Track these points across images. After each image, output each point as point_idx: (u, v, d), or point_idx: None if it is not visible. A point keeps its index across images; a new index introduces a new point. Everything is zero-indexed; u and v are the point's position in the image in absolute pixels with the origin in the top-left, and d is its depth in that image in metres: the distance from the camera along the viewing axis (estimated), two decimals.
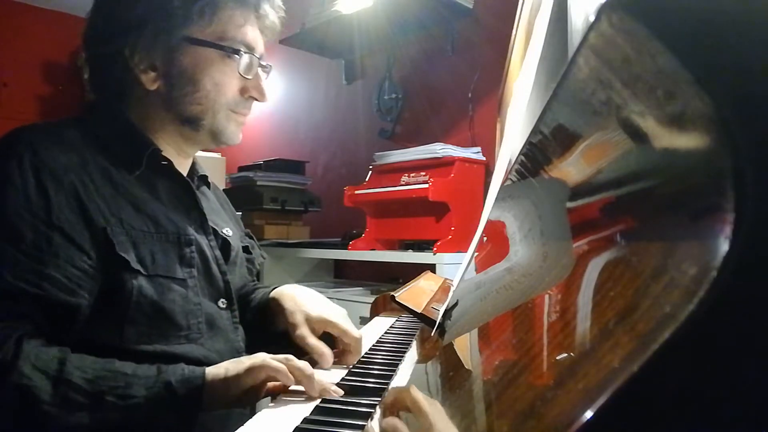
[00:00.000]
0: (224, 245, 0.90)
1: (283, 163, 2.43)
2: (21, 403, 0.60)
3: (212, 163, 2.94)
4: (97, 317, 0.71)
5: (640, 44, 0.25)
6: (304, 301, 0.88)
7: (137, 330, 0.73)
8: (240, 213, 2.37)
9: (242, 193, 2.37)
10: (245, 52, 0.83)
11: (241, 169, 2.48)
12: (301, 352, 0.78)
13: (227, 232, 0.92)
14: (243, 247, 0.99)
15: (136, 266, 0.73)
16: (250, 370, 0.65)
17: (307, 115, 2.76)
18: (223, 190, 2.56)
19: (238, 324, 0.88)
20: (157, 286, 0.74)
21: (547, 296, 0.42)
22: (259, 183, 2.30)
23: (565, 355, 0.30)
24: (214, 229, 0.89)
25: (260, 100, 0.88)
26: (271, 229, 2.32)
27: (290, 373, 0.63)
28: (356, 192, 1.91)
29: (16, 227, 0.67)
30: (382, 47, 2.32)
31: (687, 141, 0.23)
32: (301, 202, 2.38)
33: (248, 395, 0.66)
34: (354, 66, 2.51)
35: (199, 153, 3.18)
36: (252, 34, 0.85)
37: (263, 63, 0.88)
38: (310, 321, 0.83)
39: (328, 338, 0.84)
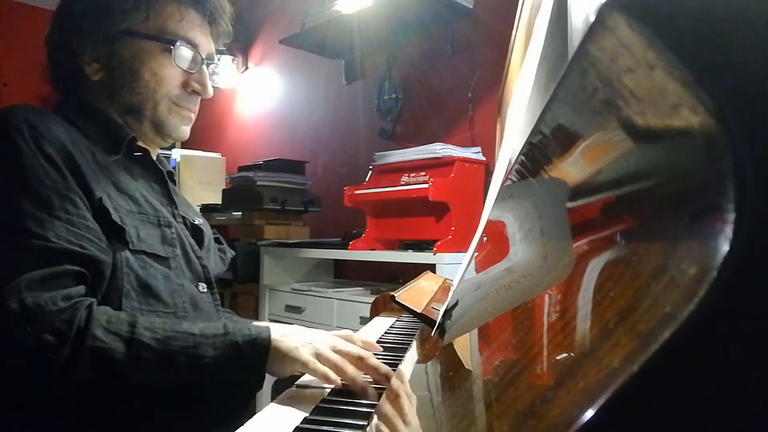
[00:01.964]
0: (196, 232, 0.93)
1: (283, 163, 2.43)
2: (97, 364, 0.63)
3: (212, 163, 2.94)
4: (98, 289, 0.73)
5: (640, 44, 0.25)
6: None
7: (131, 304, 0.75)
8: (240, 213, 2.40)
9: (242, 193, 2.37)
10: (183, 45, 0.86)
11: (241, 169, 2.48)
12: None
13: (199, 221, 0.96)
14: (214, 237, 1.02)
15: (128, 237, 0.75)
16: (305, 365, 0.66)
17: (307, 115, 2.76)
18: (223, 190, 2.59)
19: (219, 306, 0.91)
20: (141, 262, 0.77)
21: (547, 296, 0.42)
22: (259, 183, 2.30)
23: (565, 355, 0.30)
24: (184, 217, 0.92)
25: (203, 96, 0.91)
26: (271, 229, 2.32)
27: (345, 377, 0.64)
28: (356, 192, 1.91)
29: (42, 194, 0.69)
30: (382, 47, 2.32)
31: (687, 141, 0.23)
32: (301, 202, 2.38)
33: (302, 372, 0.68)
34: (354, 66, 2.51)
35: (199, 153, 3.15)
36: (193, 30, 0.89)
37: (209, 61, 0.92)
38: None
39: None
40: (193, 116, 0.93)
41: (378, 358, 0.79)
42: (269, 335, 0.69)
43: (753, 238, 0.19)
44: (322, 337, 0.70)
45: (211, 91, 0.92)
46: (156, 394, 0.67)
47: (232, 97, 3.26)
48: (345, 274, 2.43)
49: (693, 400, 0.20)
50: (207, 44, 0.92)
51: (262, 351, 0.68)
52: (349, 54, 2.46)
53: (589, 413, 0.21)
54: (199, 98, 0.92)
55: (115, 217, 0.75)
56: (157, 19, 0.85)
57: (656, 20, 0.24)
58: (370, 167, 1.99)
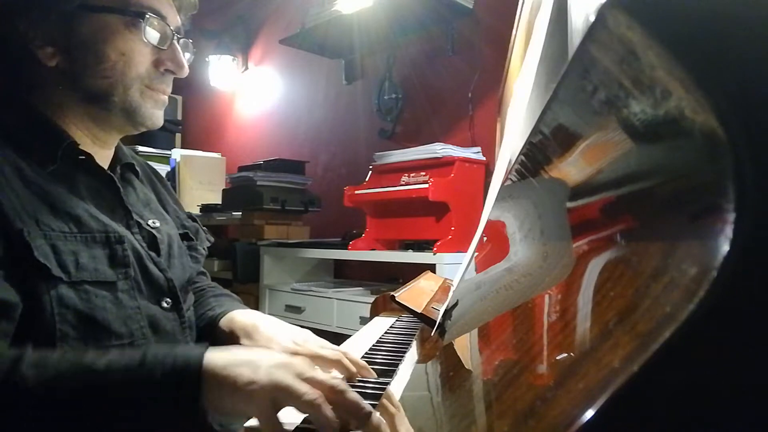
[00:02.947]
0: (152, 240, 0.80)
1: (283, 163, 2.43)
2: None
3: (212, 163, 2.94)
4: (23, 337, 0.60)
5: (640, 44, 0.25)
6: (264, 334, 0.79)
7: (72, 346, 0.64)
8: (240, 213, 2.40)
9: (242, 193, 2.37)
10: (152, 17, 0.75)
11: (241, 169, 2.48)
12: None
13: (153, 224, 0.82)
14: (182, 234, 0.88)
15: (57, 272, 0.64)
16: (274, 397, 0.49)
17: (307, 115, 2.76)
18: (223, 190, 2.58)
19: (185, 325, 0.79)
20: (83, 293, 0.66)
21: (547, 296, 0.42)
22: (259, 183, 2.30)
23: (565, 355, 0.30)
24: (138, 223, 0.79)
25: (178, 74, 0.79)
26: (271, 229, 2.32)
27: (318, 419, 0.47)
28: (356, 192, 1.91)
29: None
30: (382, 47, 2.32)
31: (687, 141, 0.23)
32: (301, 202, 2.38)
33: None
34: (354, 66, 2.51)
35: (199, 153, 3.15)
36: (159, 1, 0.77)
37: (180, 35, 0.80)
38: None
39: None
40: (166, 99, 0.80)
41: (378, 358, 0.79)
42: (200, 362, 0.50)
43: (753, 238, 0.19)
44: (279, 360, 0.52)
45: (186, 69, 0.80)
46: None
47: (232, 97, 3.26)
48: (345, 274, 2.43)
49: (693, 400, 0.20)
50: (174, 17, 0.79)
51: (190, 385, 0.50)
52: (349, 54, 2.46)
53: (589, 413, 0.21)
54: (172, 78, 0.80)
55: (38, 252, 0.63)
56: None
57: (656, 20, 0.24)
58: (370, 167, 1.99)
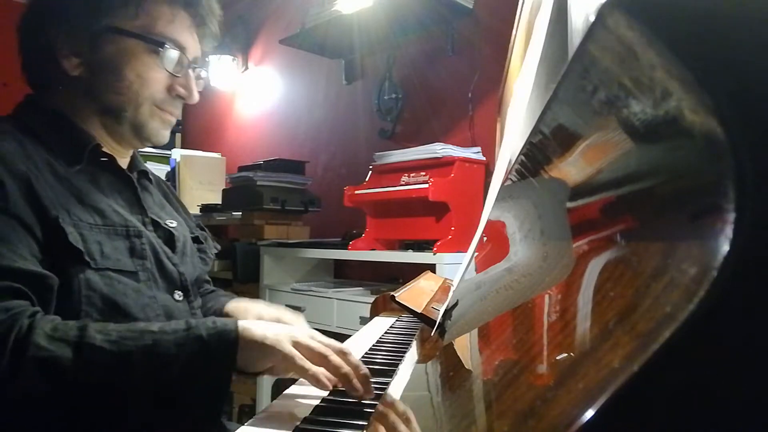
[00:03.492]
0: (169, 237, 0.88)
1: (283, 163, 2.43)
2: (44, 374, 0.58)
3: (212, 163, 2.94)
4: (52, 315, 0.68)
5: (640, 44, 0.25)
6: (253, 309, 0.90)
7: None
8: (240, 213, 2.40)
9: (242, 193, 2.37)
10: (171, 48, 0.82)
11: (241, 169, 2.48)
12: None
13: (170, 223, 0.90)
14: (193, 237, 0.97)
15: (87, 258, 0.71)
16: (286, 357, 0.61)
17: (307, 115, 2.76)
18: (223, 190, 2.59)
19: (197, 314, 0.87)
20: (107, 279, 0.73)
21: (547, 296, 0.42)
22: (259, 183, 2.30)
23: (565, 355, 0.30)
24: (156, 222, 0.87)
25: (188, 101, 0.87)
26: (271, 229, 2.32)
27: (328, 369, 0.61)
28: (356, 192, 1.91)
29: None
30: (382, 47, 2.32)
31: (687, 141, 0.23)
32: (301, 202, 2.38)
33: (277, 369, 0.65)
34: (354, 66, 2.51)
35: (199, 153, 3.14)
36: (182, 32, 0.84)
37: (195, 65, 0.88)
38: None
39: None
40: (174, 120, 0.88)
41: (378, 358, 0.79)
42: (236, 325, 0.63)
43: (753, 238, 0.19)
44: (297, 328, 0.66)
45: (196, 96, 0.88)
46: (114, 403, 0.61)
47: (232, 97, 3.26)
48: (345, 274, 2.43)
49: (693, 400, 0.20)
50: (195, 47, 0.87)
51: (230, 342, 0.62)
52: (349, 54, 2.46)
53: (589, 413, 0.21)
54: (182, 102, 0.88)
55: (72, 237, 0.70)
56: (146, 18, 0.81)
57: (656, 20, 0.24)
58: (370, 167, 1.99)
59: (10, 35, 0.89)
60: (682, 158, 0.24)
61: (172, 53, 0.83)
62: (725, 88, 0.20)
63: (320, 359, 0.61)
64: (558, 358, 0.32)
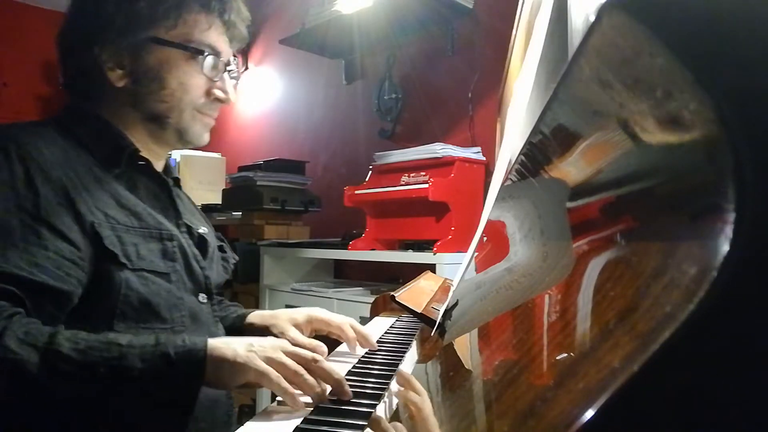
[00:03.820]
0: (201, 242, 0.92)
1: (283, 163, 2.43)
2: (11, 377, 0.59)
3: (212, 163, 2.94)
4: (87, 312, 0.71)
5: (640, 44, 0.25)
6: (284, 312, 0.93)
7: (126, 324, 0.73)
8: (240, 213, 2.40)
9: (242, 193, 2.37)
10: (209, 54, 0.87)
11: (241, 169, 2.48)
12: None
13: (203, 230, 0.94)
14: (218, 246, 1.01)
15: (123, 259, 0.74)
16: (260, 374, 0.61)
17: (307, 115, 2.76)
18: (223, 190, 2.58)
19: (217, 318, 0.90)
20: (143, 279, 0.76)
21: (547, 296, 0.42)
22: (259, 183, 2.30)
23: (565, 355, 0.30)
24: (189, 227, 0.90)
25: (226, 102, 0.91)
26: (271, 229, 2.31)
27: (300, 387, 0.60)
28: (356, 192, 1.91)
29: (5, 222, 0.67)
30: (382, 47, 2.32)
31: (687, 141, 0.23)
32: (301, 202, 2.37)
33: (249, 386, 0.64)
34: (354, 66, 2.51)
35: (199, 153, 3.14)
36: (217, 38, 0.89)
37: (230, 68, 0.92)
38: (296, 324, 0.89)
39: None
40: (213, 123, 0.92)
41: (378, 358, 0.79)
42: (205, 344, 0.63)
43: (753, 238, 0.19)
44: (268, 342, 0.65)
45: (234, 97, 0.92)
46: (79, 418, 0.63)
47: None
48: (345, 274, 2.43)
49: (693, 400, 0.20)
50: (228, 51, 0.92)
51: (197, 361, 0.62)
52: (349, 54, 2.46)
53: (589, 413, 0.21)
54: (220, 105, 0.92)
55: (108, 241, 0.73)
56: (184, 27, 0.85)
57: (656, 20, 0.24)
58: (370, 167, 1.99)
59: (10, 35, 0.90)
60: (682, 158, 0.24)
61: (210, 59, 0.87)
62: (725, 88, 0.20)
63: (294, 377, 0.60)
64: (558, 358, 0.32)
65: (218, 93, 0.89)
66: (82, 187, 0.75)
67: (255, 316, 0.96)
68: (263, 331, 0.90)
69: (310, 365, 0.62)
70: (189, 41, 0.85)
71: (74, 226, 0.71)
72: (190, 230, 0.90)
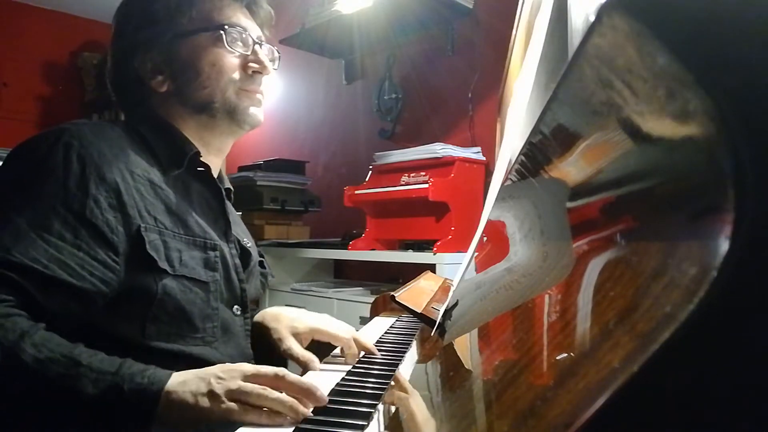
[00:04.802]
0: (244, 254, 0.93)
1: (283, 163, 2.43)
2: None
3: None
4: (121, 312, 0.72)
5: (640, 44, 0.25)
6: (287, 316, 0.91)
7: (158, 328, 0.74)
8: (240, 213, 2.39)
9: (242, 193, 2.37)
10: (231, 28, 0.87)
11: (241, 169, 2.48)
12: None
13: (248, 243, 0.96)
14: (258, 261, 1.02)
15: (164, 265, 0.75)
16: (223, 415, 0.57)
17: (307, 115, 2.76)
18: None
19: (249, 331, 0.90)
20: (182, 286, 0.76)
21: (547, 296, 0.42)
22: (259, 183, 2.30)
23: (565, 355, 0.30)
24: (236, 238, 0.92)
25: (264, 73, 0.91)
26: (271, 229, 2.31)
27: (271, 405, 0.56)
28: (356, 192, 1.91)
29: (47, 217, 0.68)
30: (382, 47, 2.32)
31: (687, 141, 0.23)
32: (301, 202, 2.37)
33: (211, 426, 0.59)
34: (354, 66, 2.51)
35: None
36: (236, 13, 0.90)
37: (260, 42, 0.92)
38: (296, 333, 0.87)
39: (318, 347, 0.86)
40: (262, 97, 0.92)
41: (378, 358, 0.79)
42: (162, 386, 0.59)
43: (753, 238, 0.19)
44: (226, 374, 0.60)
45: (269, 68, 0.92)
46: (31, 417, 0.61)
47: None
48: (345, 274, 2.43)
49: (693, 400, 0.20)
50: (253, 27, 0.92)
51: (148, 402, 0.58)
52: (349, 54, 2.46)
53: (589, 413, 0.21)
54: (262, 77, 0.91)
55: (150, 246, 0.74)
56: (200, 14, 0.87)
57: (656, 20, 0.24)
58: (370, 167, 1.99)
59: (10, 35, 0.91)
60: (682, 158, 0.24)
61: (233, 33, 0.87)
62: (725, 88, 0.20)
63: (258, 400, 0.57)
64: (558, 358, 0.32)
65: (253, 65, 0.89)
66: (136, 190, 0.76)
67: (258, 316, 0.96)
68: (262, 331, 0.90)
69: (274, 383, 0.58)
70: (209, 23, 0.87)
71: (120, 228, 0.73)
72: (237, 242, 0.91)
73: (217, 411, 0.57)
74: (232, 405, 0.57)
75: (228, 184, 1.00)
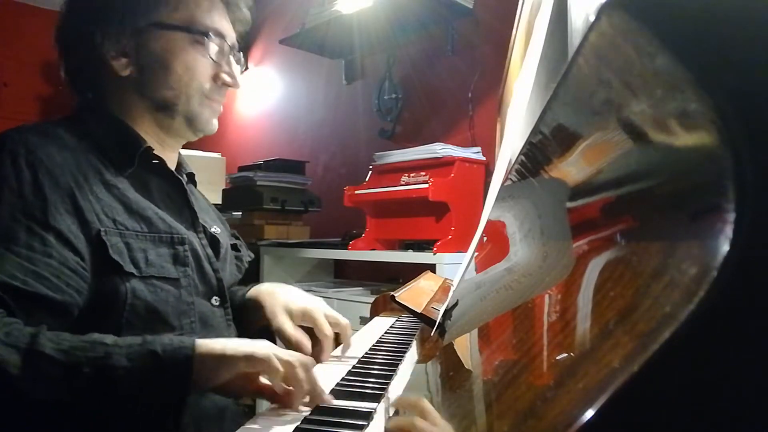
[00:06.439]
0: (213, 242, 0.89)
1: (283, 163, 2.43)
2: None
3: (212, 163, 2.94)
4: (94, 321, 0.69)
5: (640, 44, 0.25)
6: (282, 295, 0.89)
7: (133, 334, 0.69)
8: (240, 213, 2.40)
9: (242, 193, 2.37)
10: (215, 36, 0.84)
11: (241, 169, 2.48)
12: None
13: (216, 230, 0.92)
14: (231, 245, 0.98)
15: (129, 268, 0.72)
16: (249, 358, 0.60)
17: (307, 115, 2.76)
18: (223, 190, 2.59)
19: (230, 321, 0.87)
20: (151, 287, 0.74)
21: (547, 296, 0.42)
22: (259, 183, 2.30)
23: (565, 355, 0.30)
24: (204, 227, 0.88)
25: (233, 86, 0.89)
26: (271, 229, 2.31)
27: (289, 380, 0.60)
28: (356, 192, 1.91)
29: (11, 228, 0.66)
30: (382, 47, 2.32)
31: (687, 141, 0.23)
32: (301, 202, 2.37)
33: (237, 385, 0.63)
34: (354, 66, 2.51)
35: (199, 153, 3.14)
36: (220, 21, 0.86)
37: (234, 52, 0.89)
38: (290, 313, 0.85)
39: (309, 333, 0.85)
40: (221, 109, 0.90)
41: (378, 358, 0.79)
42: (194, 342, 0.62)
43: (753, 238, 0.19)
44: (258, 344, 0.63)
45: (240, 82, 0.90)
46: (62, 416, 0.61)
47: (232, 97, 3.25)
48: (345, 274, 2.43)
49: (693, 400, 0.20)
50: (231, 34, 0.89)
51: (185, 359, 0.60)
52: (349, 54, 2.46)
53: (589, 413, 0.21)
54: (227, 90, 0.89)
55: (113, 250, 0.71)
56: (185, 10, 0.82)
57: (656, 20, 0.24)
58: (370, 167, 1.99)
59: (10, 35, 0.89)
60: (682, 158, 0.24)
61: (215, 42, 0.84)
62: (725, 88, 0.20)
63: (289, 368, 0.60)
64: (558, 358, 0.32)
65: (225, 77, 0.87)
66: (91, 193, 0.73)
67: (253, 291, 0.93)
68: (256, 304, 0.88)
69: (294, 368, 0.60)
70: (192, 23, 0.83)
71: (80, 234, 0.70)
72: (204, 230, 0.88)
73: (243, 357, 0.60)
74: (257, 350, 0.60)
75: (189, 169, 0.96)
